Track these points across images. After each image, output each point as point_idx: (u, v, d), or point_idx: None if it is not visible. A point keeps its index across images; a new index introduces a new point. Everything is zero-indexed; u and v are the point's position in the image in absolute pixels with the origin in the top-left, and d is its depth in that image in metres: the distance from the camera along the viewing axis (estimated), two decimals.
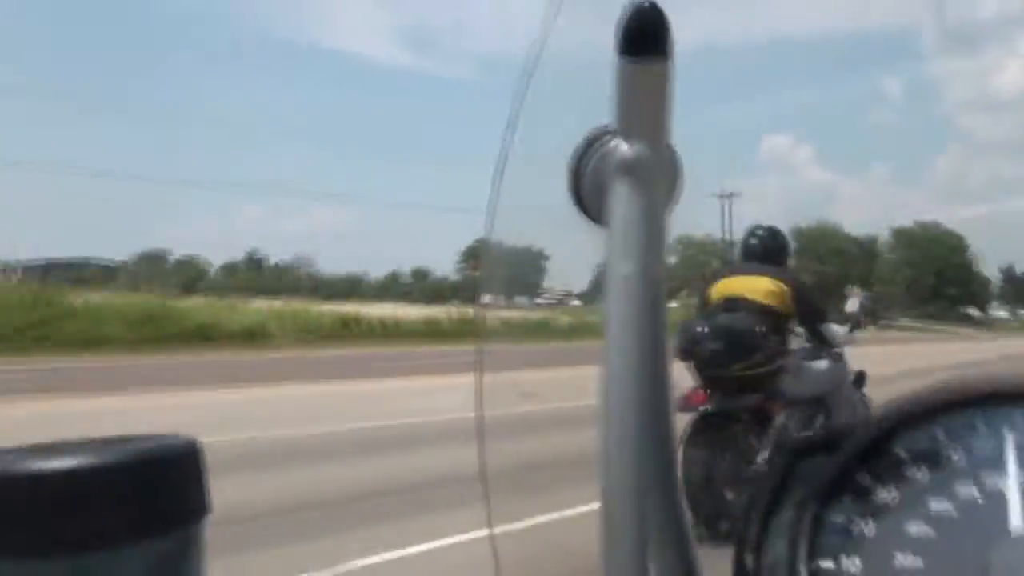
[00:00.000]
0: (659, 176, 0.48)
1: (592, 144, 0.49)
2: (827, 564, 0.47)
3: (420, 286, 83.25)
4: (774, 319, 4.46)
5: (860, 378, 4.87)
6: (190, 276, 74.92)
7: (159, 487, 0.40)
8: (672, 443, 0.51)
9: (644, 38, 0.44)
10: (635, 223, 0.47)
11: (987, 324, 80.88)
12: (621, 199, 0.47)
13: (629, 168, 0.47)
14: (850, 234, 75.18)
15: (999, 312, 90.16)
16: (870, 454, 0.48)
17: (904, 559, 0.45)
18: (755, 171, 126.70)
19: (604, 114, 0.47)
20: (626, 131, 0.47)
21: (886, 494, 0.47)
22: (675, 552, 0.50)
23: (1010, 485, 0.44)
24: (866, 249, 74.89)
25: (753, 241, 4.86)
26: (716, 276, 4.85)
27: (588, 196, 0.50)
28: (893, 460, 0.48)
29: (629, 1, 0.44)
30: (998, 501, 0.44)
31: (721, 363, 4.21)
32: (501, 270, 0.68)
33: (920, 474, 0.47)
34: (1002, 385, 0.46)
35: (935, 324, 69.77)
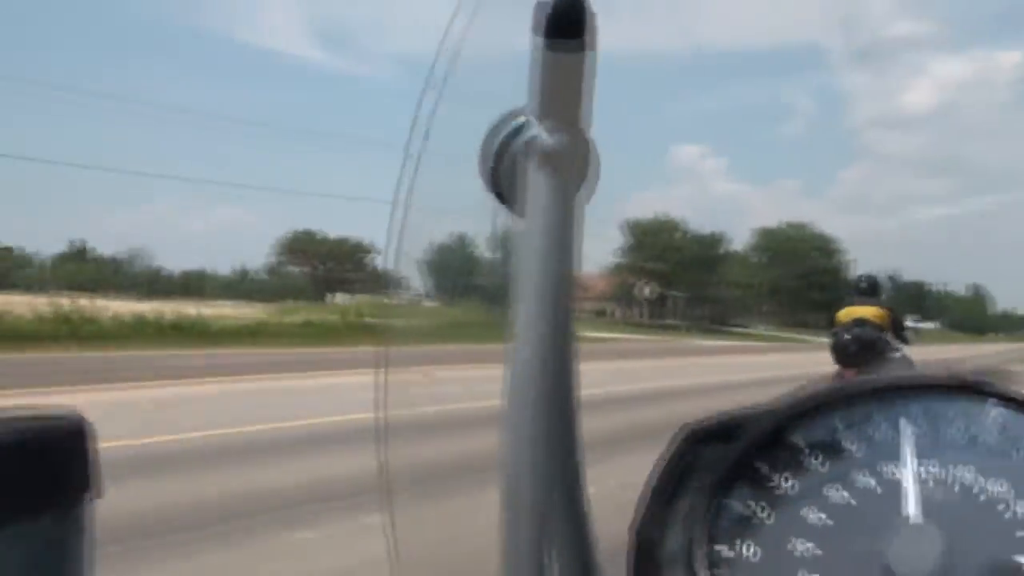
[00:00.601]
0: (575, 164, 0.48)
1: (507, 129, 0.49)
2: (725, 549, 0.48)
3: (272, 283, 77.68)
4: (880, 330, 7.60)
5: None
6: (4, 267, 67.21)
7: (40, 466, 0.38)
8: (577, 438, 0.51)
9: (566, 23, 0.44)
10: (549, 210, 0.47)
11: None
12: (536, 185, 0.47)
13: (545, 154, 0.47)
14: (695, 231, 70.16)
15: None
16: (769, 443, 0.50)
17: (801, 545, 0.46)
18: (666, 179, 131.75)
19: (516, 106, 0.48)
20: (544, 117, 0.47)
21: (784, 482, 0.49)
22: (576, 548, 0.51)
23: (906, 475, 0.46)
24: (708, 247, 70.27)
25: (863, 284, 8.27)
26: (841, 304, 8.18)
27: (503, 182, 0.49)
28: (792, 449, 0.50)
29: None
30: (894, 490, 0.46)
31: (857, 356, 7.32)
32: (410, 266, 0.67)
33: (818, 463, 0.49)
34: (899, 378, 0.49)
35: (784, 332, 68.10)
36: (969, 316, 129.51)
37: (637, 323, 61.86)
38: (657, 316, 67.34)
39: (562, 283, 0.47)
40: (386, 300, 0.66)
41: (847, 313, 7.97)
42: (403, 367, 0.59)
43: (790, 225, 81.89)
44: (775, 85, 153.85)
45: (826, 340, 8.55)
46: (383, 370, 0.57)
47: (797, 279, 75.78)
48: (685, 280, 64.89)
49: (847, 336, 7.69)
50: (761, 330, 70.33)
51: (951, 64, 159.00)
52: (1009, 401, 0.46)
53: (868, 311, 7.85)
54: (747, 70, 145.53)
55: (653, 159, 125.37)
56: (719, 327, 66.89)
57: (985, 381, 0.47)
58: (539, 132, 0.46)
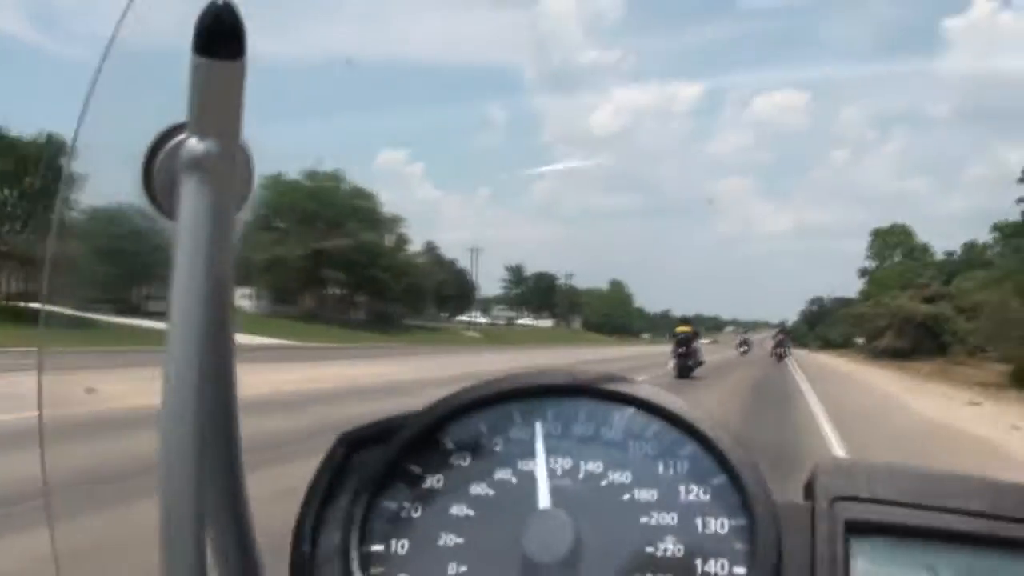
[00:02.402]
0: (230, 173, 0.51)
1: (165, 139, 0.51)
2: (377, 548, 0.54)
3: None
4: (693, 335, 23.32)
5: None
6: None
7: None
8: (236, 440, 0.54)
9: (219, 37, 0.46)
10: (204, 219, 0.49)
11: (411, 332, 55.04)
12: (190, 194, 0.49)
13: (199, 164, 0.49)
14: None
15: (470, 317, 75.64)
16: (422, 445, 0.57)
17: (447, 538, 0.53)
18: (370, 182, 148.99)
19: (181, 109, 0.50)
20: (198, 128, 0.49)
21: (433, 481, 0.56)
22: (237, 549, 0.55)
23: (539, 468, 0.54)
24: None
25: (684, 317, 29.41)
26: (676, 325, 25.67)
27: (160, 191, 0.51)
28: (441, 450, 0.57)
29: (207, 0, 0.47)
30: (529, 482, 0.54)
31: (685, 344, 22.53)
32: (70, 269, 0.67)
33: (464, 461, 0.56)
34: (534, 381, 0.57)
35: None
36: (611, 315, 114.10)
37: None
38: None
39: (218, 289, 0.49)
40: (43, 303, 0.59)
41: (680, 328, 22.96)
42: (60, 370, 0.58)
43: (311, 175, 53.00)
44: (473, 100, 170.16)
45: None
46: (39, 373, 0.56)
47: (305, 252, 47.52)
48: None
49: (682, 336, 22.17)
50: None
51: (634, 92, 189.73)
52: (627, 401, 0.55)
53: (686, 328, 22.69)
54: (447, 84, 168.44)
55: (361, 162, 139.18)
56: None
57: (606, 385, 0.56)
58: (193, 143, 0.48)
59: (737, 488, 0.51)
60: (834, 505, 0.51)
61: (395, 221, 57.24)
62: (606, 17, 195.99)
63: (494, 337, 64.05)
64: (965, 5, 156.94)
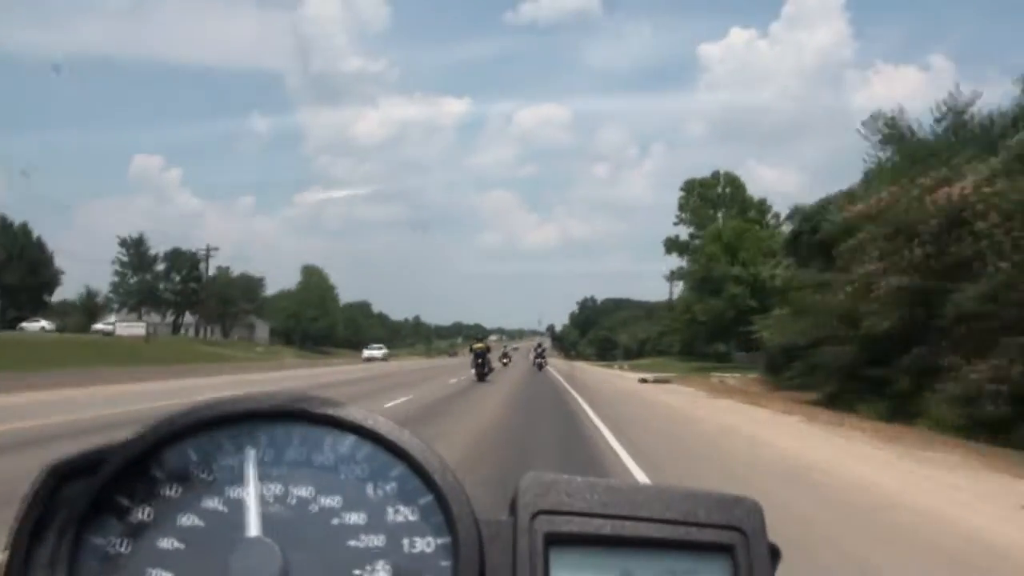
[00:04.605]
0: None
1: None
2: None
3: None
4: (487, 350, 31.49)
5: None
6: None
7: None
8: None
9: None
10: None
11: None
12: None
13: None
14: None
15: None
16: (129, 475, 0.54)
17: (155, 573, 0.52)
18: (123, 189, 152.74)
19: None
20: None
21: (142, 513, 0.54)
22: None
23: (249, 495, 0.53)
24: None
25: (480, 335, 43.86)
26: (473, 340, 35.16)
27: None
28: (150, 480, 0.55)
29: None
30: (238, 510, 0.53)
31: (481, 357, 30.46)
32: None
33: (173, 492, 0.54)
34: (244, 406, 0.56)
35: None
36: (301, 316, 77.59)
37: None
38: None
39: None
40: None
41: (477, 345, 31.19)
42: None
43: None
44: (233, 106, 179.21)
45: None
46: None
47: None
48: None
49: (479, 351, 30.23)
50: None
51: (399, 103, 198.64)
52: (339, 425, 0.56)
53: (481, 344, 30.97)
54: (206, 89, 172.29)
55: (112, 167, 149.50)
56: None
57: (319, 409, 0.56)
58: None
59: (442, 507, 0.53)
60: (535, 519, 0.54)
61: None
62: (371, 26, 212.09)
63: None
64: (721, 34, 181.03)
